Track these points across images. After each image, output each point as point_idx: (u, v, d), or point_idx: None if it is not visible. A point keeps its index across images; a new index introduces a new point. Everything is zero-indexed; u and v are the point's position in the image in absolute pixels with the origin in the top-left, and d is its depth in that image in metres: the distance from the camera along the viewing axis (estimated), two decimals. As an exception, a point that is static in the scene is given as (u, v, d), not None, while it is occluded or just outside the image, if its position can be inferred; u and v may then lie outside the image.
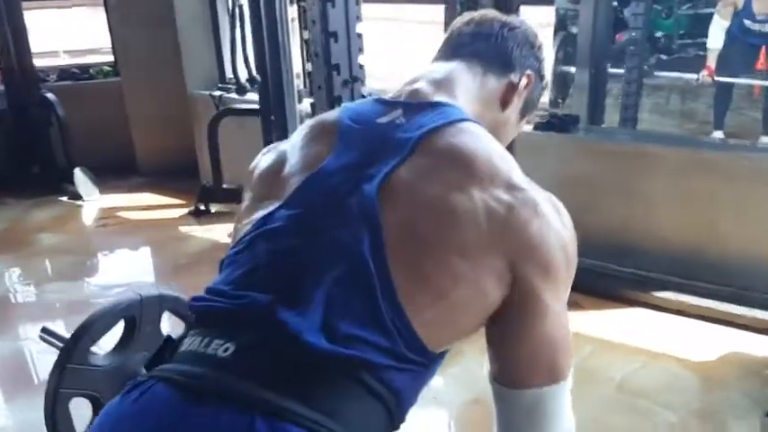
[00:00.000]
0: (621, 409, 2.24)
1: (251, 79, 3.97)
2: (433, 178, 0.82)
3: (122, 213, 4.34)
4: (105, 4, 4.84)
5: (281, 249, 0.81)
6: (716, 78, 4.80)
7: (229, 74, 4.20)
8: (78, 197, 4.47)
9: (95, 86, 5.02)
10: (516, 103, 1.01)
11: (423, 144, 0.85)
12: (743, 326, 2.64)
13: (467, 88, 0.96)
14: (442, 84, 0.95)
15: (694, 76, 4.99)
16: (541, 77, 1.06)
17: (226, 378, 0.74)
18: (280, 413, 0.72)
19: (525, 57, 1.02)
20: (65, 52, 6.09)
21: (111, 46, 5.05)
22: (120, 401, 0.79)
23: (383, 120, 0.89)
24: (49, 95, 4.50)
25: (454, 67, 0.97)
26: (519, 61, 1.01)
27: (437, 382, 2.40)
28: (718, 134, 5.04)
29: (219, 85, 4.28)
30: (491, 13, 1.06)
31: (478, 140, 0.88)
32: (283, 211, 0.84)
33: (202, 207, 4.09)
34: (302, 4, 1.58)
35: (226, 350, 0.76)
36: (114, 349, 1.81)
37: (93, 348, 1.68)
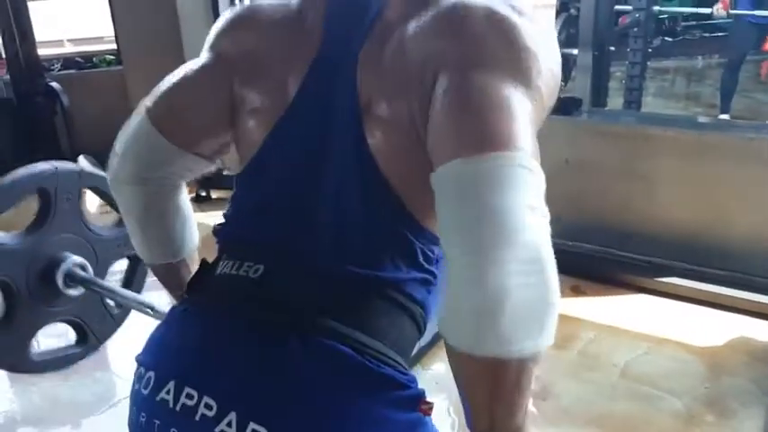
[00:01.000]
0: (625, 396, 2.23)
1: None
2: (389, 31, 0.76)
3: (126, 201, 4.35)
4: (108, -7, 4.83)
5: (284, 174, 0.82)
6: (730, 12, 4.73)
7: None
8: (82, 185, 4.49)
9: (99, 75, 5.02)
10: None
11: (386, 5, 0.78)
12: (748, 311, 2.62)
13: None
14: None
15: (708, 10, 4.90)
16: None
17: (259, 298, 0.77)
18: (311, 328, 0.74)
19: None
20: (69, 41, 6.07)
21: (113, 35, 5.04)
22: (163, 326, 0.84)
23: None
24: (54, 84, 4.52)
25: None
26: None
27: (438, 367, 2.39)
28: (725, 117, 4.98)
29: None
30: None
31: None
32: (284, 129, 0.82)
33: (203, 193, 4.11)
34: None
35: (256, 271, 0.79)
36: (27, 229, 1.66)
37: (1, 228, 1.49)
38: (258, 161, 0.84)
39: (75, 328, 1.92)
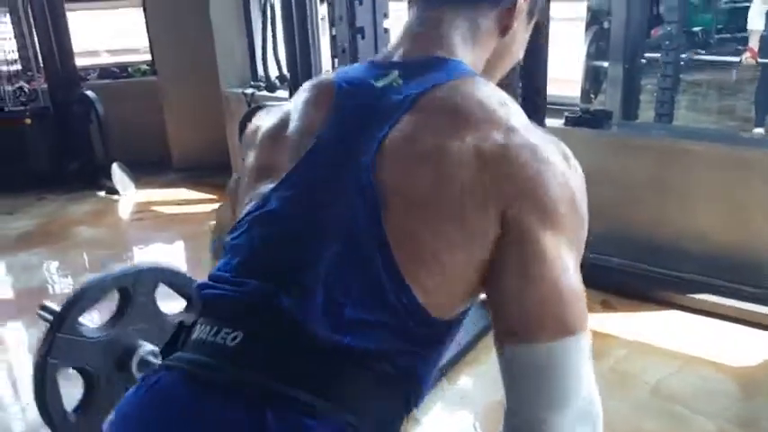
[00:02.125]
0: (656, 415, 2.18)
1: (281, 77, 4.01)
2: (425, 133, 0.77)
3: (157, 208, 4.43)
4: (144, 6, 4.94)
5: (277, 232, 0.79)
6: (759, 60, 4.63)
7: (261, 72, 4.24)
8: (115, 192, 4.58)
9: (133, 85, 5.14)
10: (517, 24, 0.91)
11: (417, 103, 0.79)
12: (784, 330, 2.56)
13: (461, 37, 0.88)
14: (435, 37, 0.87)
15: (736, 59, 4.81)
16: None
17: (234, 368, 0.73)
18: (290, 405, 0.70)
19: None
20: (106, 51, 6.22)
21: (148, 46, 5.15)
22: (135, 392, 0.79)
23: (381, 84, 0.83)
24: (90, 93, 4.62)
25: (443, 16, 0.89)
26: None
27: (464, 381, 2.38)
28: (760, 131, 4.89)
29: (252, 83, 4.32)
30: None
31: (475, 89, 0.81)
32: (280, 191, 0.81)
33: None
34: (330, 0, 1.59)
35: (234, 339, 0.75)
36: (107, 322, 1.77)
37: (86, 321, 1.65)
38: (248, 222, 0.82)
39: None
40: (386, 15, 1.67)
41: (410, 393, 0.78)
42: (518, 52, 0.96)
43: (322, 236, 0.76)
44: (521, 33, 0.93)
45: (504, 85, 0.97)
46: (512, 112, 0.79)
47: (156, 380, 0.77)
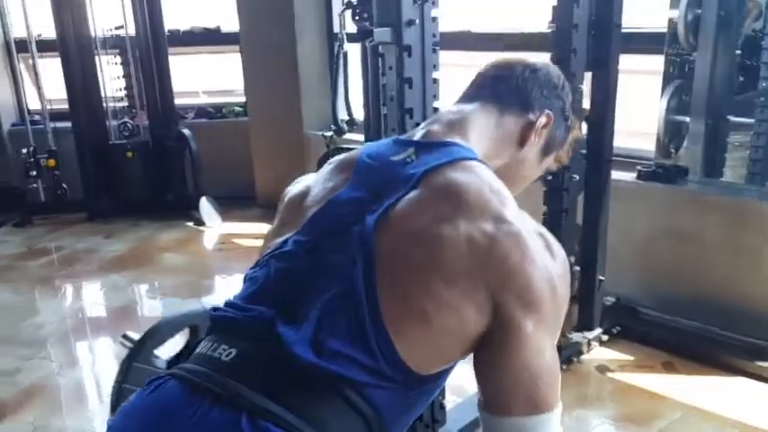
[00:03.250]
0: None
1: (350, 121, 4.22)
2: (425, 210, 0.87)
3: (239, 240, 4.66)
4: (241, 52, 5.32)
5: (287, 270, 0.90)
6: None
7: (340, 116, 4.46)
8: (202, 223, 4.87)
9: (226, 125, 5.46)
10: (535, 141, 1.04)
11: (423, 179, 0.90)
12: None
13: (480, 129, 1.00)
14: (456, 125, 1.00)
15: None
16: (565, 117, 1.08)
17: (224, 378, 0.85)
18: (264, 414, 0.79)
19: (546, 97, 1.05)
20: (204, 92, 6.69)
21: (243, 89, 5.50)
22: (140, 393, 0.91)
23: (396, 158, 0.95)
24: (185, 131, 4.98)
25: (471, 108, 1.02)
26: (539, 101, 1.05)
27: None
28: None
29: (332, 127, 4.55)
30: (516, 57, 1.10)
31: (474, 176, 0.91)
32: (296, 236, 0.93)
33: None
34: (381, 52, 1.71)
35: (228, 354, 0.87)
36: (176, 355, 1.91)
37: (158, 352, 1.79)
38: (266, 260, 0.94)
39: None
40: (435, 67, 1.76)
41: (375, 426, 0.84)
42: (526, 178, 1.07)
43: (323, 278, 0.86)
44: (533, 159, 1.05)
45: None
46: (504, 201, 0.89)
47: (159, 384, 0.89)
